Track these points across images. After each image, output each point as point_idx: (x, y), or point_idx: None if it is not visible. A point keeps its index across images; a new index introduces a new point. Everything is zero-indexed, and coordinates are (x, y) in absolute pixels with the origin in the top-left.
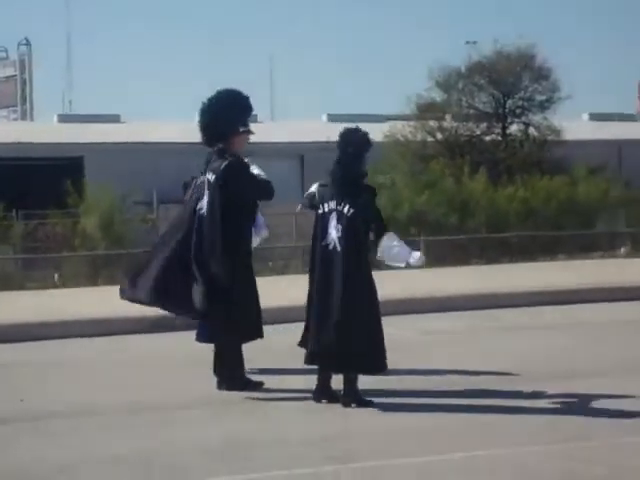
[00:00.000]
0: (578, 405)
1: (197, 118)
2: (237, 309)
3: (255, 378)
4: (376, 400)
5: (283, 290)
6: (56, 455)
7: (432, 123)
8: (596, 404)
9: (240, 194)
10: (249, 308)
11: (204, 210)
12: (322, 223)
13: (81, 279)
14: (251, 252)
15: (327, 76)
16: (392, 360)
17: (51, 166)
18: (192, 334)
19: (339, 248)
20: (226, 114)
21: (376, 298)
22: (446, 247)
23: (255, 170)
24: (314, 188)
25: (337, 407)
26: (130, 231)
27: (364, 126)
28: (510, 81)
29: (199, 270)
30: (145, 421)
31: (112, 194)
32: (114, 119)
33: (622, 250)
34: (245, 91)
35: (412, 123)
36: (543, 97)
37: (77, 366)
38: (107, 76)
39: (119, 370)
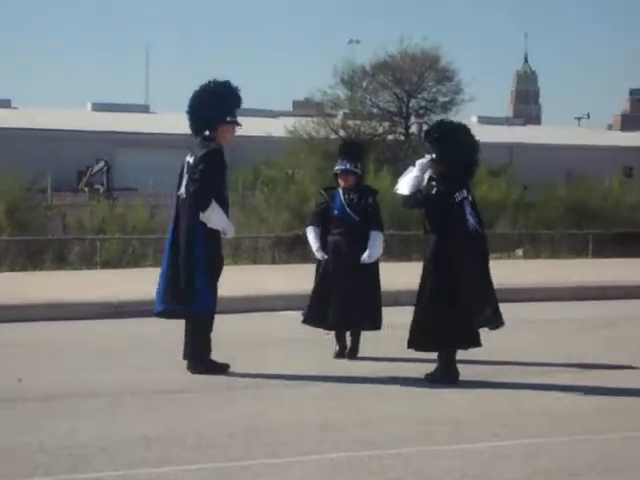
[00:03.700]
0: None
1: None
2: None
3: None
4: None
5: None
6: (88, 434)
7: (337, 120)
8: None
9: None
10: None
11: (182, 193)
12: (459, 210)
13: None
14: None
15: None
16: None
17: None
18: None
19: (479, 231)
20: (213, 102)
21: None
22: None
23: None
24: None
25: (354, 392)
26: (36, 217)
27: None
28: (414, 81)
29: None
30: (158, 403)
31: (20, 180)
32: (4, 104)
33: (519, 252)
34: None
35: (315, 119)
36: (446, 98)
37: (59, 348)
38: None
39: (100, 354)
